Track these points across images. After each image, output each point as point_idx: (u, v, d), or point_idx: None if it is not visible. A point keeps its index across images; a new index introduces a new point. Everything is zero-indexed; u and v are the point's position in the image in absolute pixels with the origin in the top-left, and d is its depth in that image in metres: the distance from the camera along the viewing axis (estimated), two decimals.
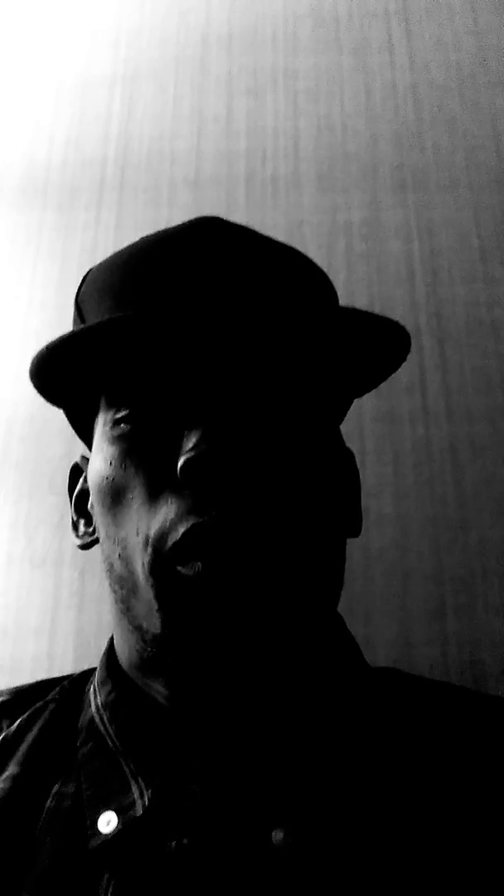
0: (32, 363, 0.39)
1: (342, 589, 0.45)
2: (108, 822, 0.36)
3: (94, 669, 0.47)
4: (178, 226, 0.44)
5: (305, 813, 0.35)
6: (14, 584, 0.76)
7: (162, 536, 0.36)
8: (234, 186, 0.92)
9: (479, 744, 0.40)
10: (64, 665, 0.72)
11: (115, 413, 0.40)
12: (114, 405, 0.40)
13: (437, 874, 0.34)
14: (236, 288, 0.39)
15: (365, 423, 0.77)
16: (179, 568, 0.35)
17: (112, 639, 0.47)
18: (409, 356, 0.78)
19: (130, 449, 0.39)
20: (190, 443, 0.35)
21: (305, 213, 0.89)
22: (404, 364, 0.78)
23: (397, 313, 0.82)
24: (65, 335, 0.37)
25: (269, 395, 0.39)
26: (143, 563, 0.36)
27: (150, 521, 0.36)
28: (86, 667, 0.51)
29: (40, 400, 0.88)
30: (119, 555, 0.38)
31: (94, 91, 1.00)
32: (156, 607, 0.36)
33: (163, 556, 0.36)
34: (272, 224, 0.89)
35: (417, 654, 0.68)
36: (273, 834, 0.34)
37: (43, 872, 0.35)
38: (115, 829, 0.35)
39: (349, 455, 0.49)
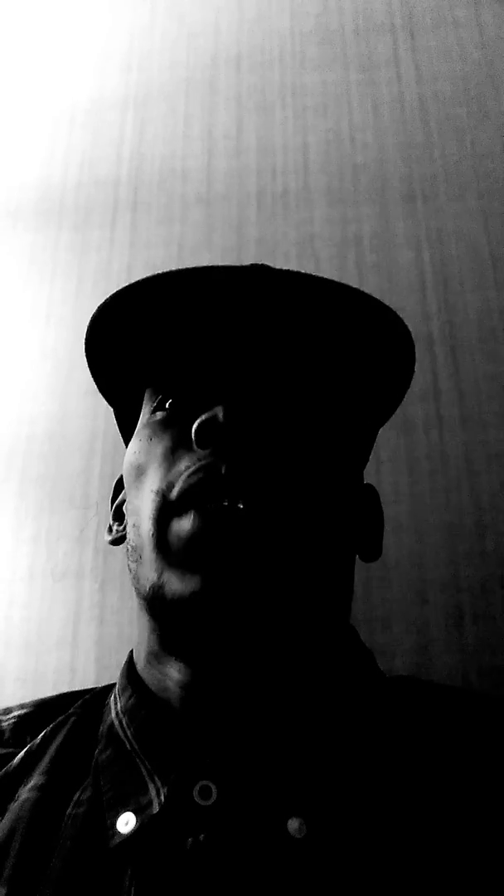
0: (88, 325, 0.46)
1: (350, 594, 0.46)
2: (126, 822, 0.37)
3: (115, 684, 0.48)
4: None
5: (319, 803, 0.36)
6: (36, 597, 0.77)
7: (169, 486, 0.40)
8: (246, 202, 0.93)
9: (493, 745, 0.40)
10: (86, 677, 0.72)
11: (154, 404, 0.45)
12: (154, 395, 0.46)
13: (445, 867, 0.34)
14: (277, 308, 0.45)
15: (379, 431, 0.78)
16: (175, 518, 0.38)
17: (132, 651, 0.48)
18: (421, 364, 0.79)
19: (159, 427, 0.44)
20: (208, 412, 0.39)
21: (316, 226, 0.90)
22: (417, 372, 0.79)
23: (409, 323, 0.81)
24: (120, 289, 0.44)
25: (287, 397, 0.43)
26: (149, 517, 0.40)
27: (163, 477, 0.41)
28: (107, 678, 0.52)
29: (59, 417, 0.90)
30: (134, 524, 0.42)
31: (106, 114, 1.03)
32: (154, 563, 0.39)
33: (166, 505, 0.39)
34: (283, 238, 0.90)
35: (436, 661, 0.67)
36: (289, 823, 0.35)
37: (62, 875, 0.36)
38: (133, 829, 0.36)
39: (371, 489, 0.53)
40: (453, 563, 0.71)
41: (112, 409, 0.57)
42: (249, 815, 0.36)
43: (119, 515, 0.52)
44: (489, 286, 0.83)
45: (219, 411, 0.39)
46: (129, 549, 0.43)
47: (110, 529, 0.52)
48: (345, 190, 0.92)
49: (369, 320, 0.47)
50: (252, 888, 0.33)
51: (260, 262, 0.50)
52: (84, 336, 0.48)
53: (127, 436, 0.55)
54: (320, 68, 1.00)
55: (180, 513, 0.38)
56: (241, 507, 0.37)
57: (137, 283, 0.44)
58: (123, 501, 0.52)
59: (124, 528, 0.49)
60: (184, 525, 0.38)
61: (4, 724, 0.47)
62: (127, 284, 0.44)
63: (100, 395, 0.89)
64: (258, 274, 0.45)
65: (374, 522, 0.51)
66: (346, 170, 0.93)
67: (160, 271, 0.44)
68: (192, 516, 0.38)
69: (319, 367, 0.46)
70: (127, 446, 0.53)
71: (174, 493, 0.39)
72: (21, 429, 0.86)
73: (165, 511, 0.39)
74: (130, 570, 0.43)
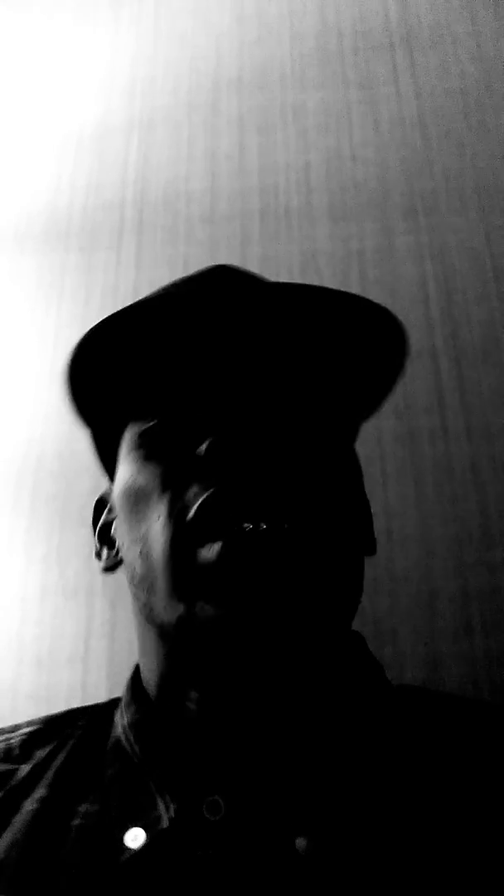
0: (71, 351, 0.44)
1: (358, 604, 0.46)
2: (134, 837, 0.37)
3: (120, 698, 0.49)
4: (195, 273, 0.48)
5: (327, 821, 0.36)
6: (48, 614, 0.78)
7: (183, 510, 0.38)
8: (249, 221, 0.94)
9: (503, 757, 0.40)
10: (98, 694, 0.73)
11: (142, 425, 0.44)
12: (141, 417, 0.44)
13: (452, 884, 0.34)
14: (256, 315, 0.44)
15: (385, 444, 0.78)
16: (199, 551, 0.37)
17: (137, 665, 0.48)
18: (426, 376, 0.79)
19: (154, 449, 0.42)
20: (213, 434, 0.39)
21: (319, 243, 0.91)
22: (422, 384, 0.79)
23: (413, 335, 0.83)
24: (104, 319, 0.42)
25: (280, 411, 0.42)
26: (163, 545, 0.39)
27: (170, 502, 0.39)
28: (119, 694, 0.53)
29: (68, 437, 0.91)
30: (140, 552, 0.41)
31: (111, 139, 1.05)
32: (174, 597, 0.38)
33: (182, 531, 0.38)
34: (287, 256, 0.91)
35: (446, 672, 0.67)
36: (297, 841, 0.35)
37: (70, 889, 0.36)
38: (142, 844, 0.36)
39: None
40: (461, 574, 0.71)
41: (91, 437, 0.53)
42: (257, 831, 0.36)
43: (105, 539, 0.51)
44: (492, 297, 0.84)
45: (225, 432, 0.38)
46: (136, 577, 0.42)
47: (99, 555, 0.51)
48: (347, 206, 0.93)
49: (348, 316, 0.45)
50: None
51: (221, 264, 0.48)
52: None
53: (106, 461, 0.52)
54: (320, 88, 1.01)
55: (203, 541, 0.37)
56: (264, 527, 0.37)
57: (103, 322, 0.43)
58: (109, 524, 0.51)
59: (117, 554, 0.48)
60: (211, 554, 0.37)
61: (14, 740, 0.48)
62: (94, 326, 0.43)
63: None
64: (221, 280, 0.44)
65: (365, 512, 0.50)
66: (348, 186, 0.94)
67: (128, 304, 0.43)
68: (218, 545, 0.37)
69: (308, 369, 0.45)
70: (108, 472, 0.51)
71: (190, 515, 0.38)
72: (31, 449, 0.87)
73: (183, 537, 0.38)
74: (138, 599, 0.42)
